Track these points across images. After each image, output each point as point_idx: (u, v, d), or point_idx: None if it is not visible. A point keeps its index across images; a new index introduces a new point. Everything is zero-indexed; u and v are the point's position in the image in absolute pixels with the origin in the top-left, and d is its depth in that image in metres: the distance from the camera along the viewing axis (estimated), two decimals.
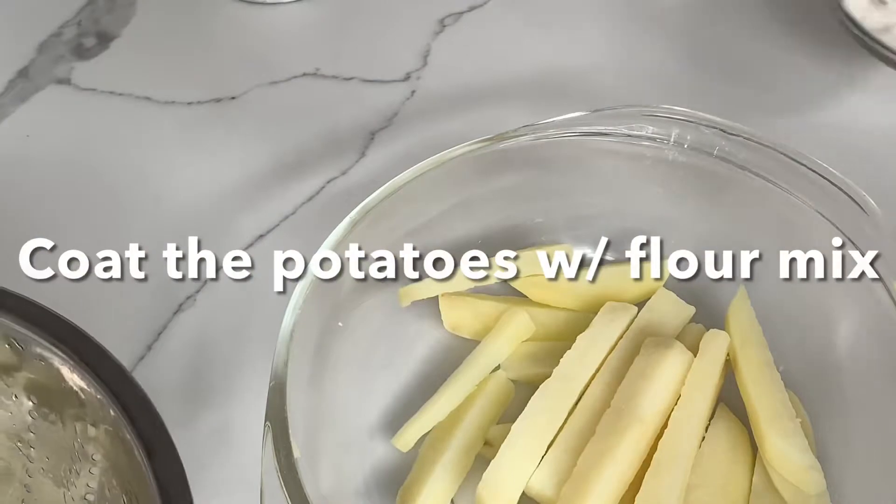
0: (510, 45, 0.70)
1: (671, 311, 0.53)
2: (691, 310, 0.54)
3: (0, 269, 0.49)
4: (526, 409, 0.49)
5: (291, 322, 0.47)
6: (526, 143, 0.54)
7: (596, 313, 0.53)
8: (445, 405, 0.51)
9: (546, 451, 0.48)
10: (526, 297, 0.55)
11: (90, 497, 0.44)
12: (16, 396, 0.43)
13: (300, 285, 0.48)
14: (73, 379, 0.41)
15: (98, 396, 0.40)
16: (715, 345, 0.51)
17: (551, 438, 0.48)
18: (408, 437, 0.50)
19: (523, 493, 0.48)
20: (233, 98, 0.67)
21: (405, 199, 0.52)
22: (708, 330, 0.52)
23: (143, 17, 0.71)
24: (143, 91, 0.67)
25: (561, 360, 0.51)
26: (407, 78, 0.68)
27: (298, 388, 0.46)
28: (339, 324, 0.50)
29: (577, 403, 0.50)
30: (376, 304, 0.52)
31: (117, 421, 0.39)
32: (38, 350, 0.41)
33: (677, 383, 0.50)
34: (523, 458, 0.48)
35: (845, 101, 0.66)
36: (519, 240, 0.55)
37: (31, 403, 0.43)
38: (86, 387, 0.40)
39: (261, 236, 0.60)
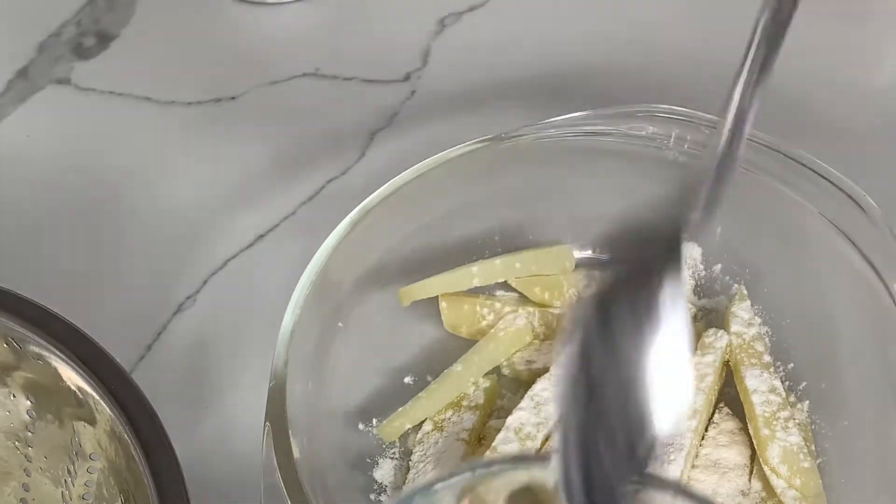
0: (510, 44, 0.69)
1: None
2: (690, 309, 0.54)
3: None
4: (521, 403, 0.49)
5: (291, 322, 0.47)
6: (526, 143, 0.54)
7: None
8: (435, 402, 0.51)
9: (542, 448, 0.48)
10: (526, 297, 0.55)
11: (88, 496, 0.44)
12: (14, 396, 0.43)
13: (300, 285, 0.48)
14: (71, 378, 0.41)
15: (96, 396, 0.40)
16: (714, 344, 0.51)
17: (547, 434, 0.48)
18: (393, 428, 0.50)
19: None
20: (233, 98, 0.67)
21: (405, 199, 0.52)
22: (707, 329, 0.52)
23: (143, 17, 0.70)
24: (143, 91, 0.67)
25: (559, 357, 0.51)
26: (407, 78, 0.68)
27: (298, 388, 0.46)
28: (339, 324, 0.50)
29: None
30: (376, 304, 0.52)
31: (115, 420, 0.39)
32: (36, 349, 0.41)
33: None
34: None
35: (843, 99, 0.66)
36: (519, 240, 0.55)
37: (28, 403, 0.43)
38: (84, 386, 0.40)
39: (261, 236, 0.60)
